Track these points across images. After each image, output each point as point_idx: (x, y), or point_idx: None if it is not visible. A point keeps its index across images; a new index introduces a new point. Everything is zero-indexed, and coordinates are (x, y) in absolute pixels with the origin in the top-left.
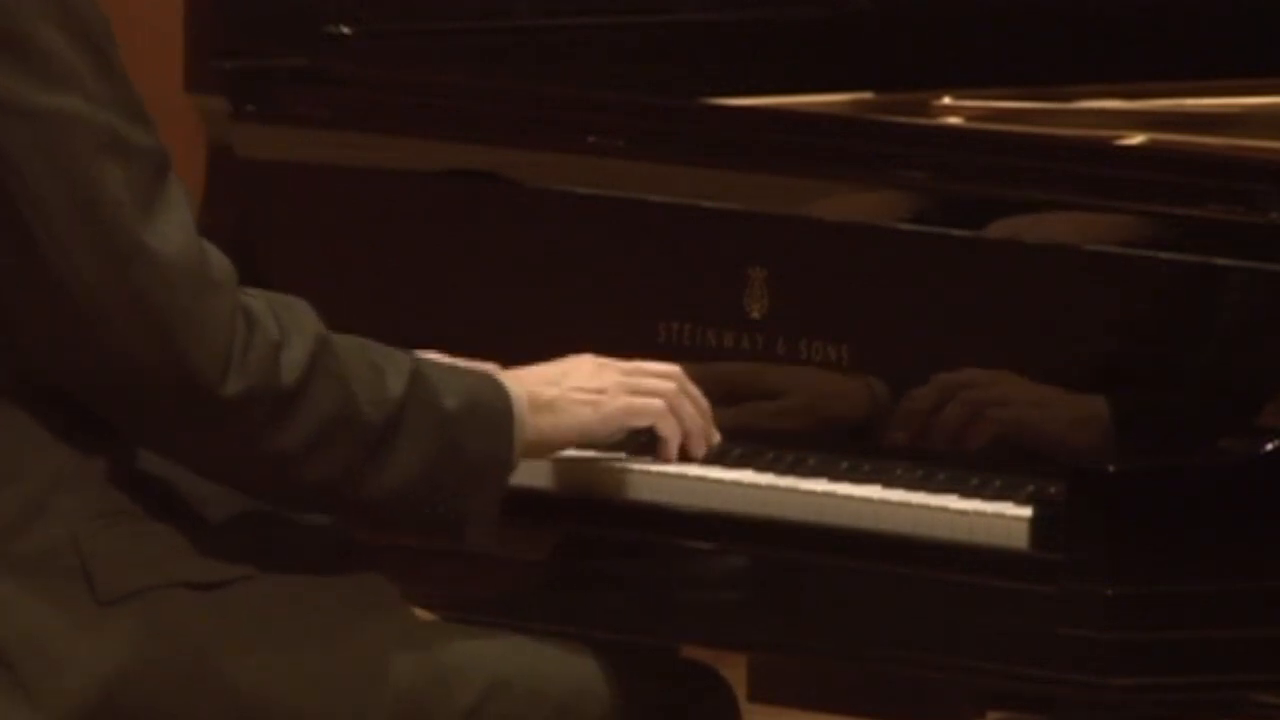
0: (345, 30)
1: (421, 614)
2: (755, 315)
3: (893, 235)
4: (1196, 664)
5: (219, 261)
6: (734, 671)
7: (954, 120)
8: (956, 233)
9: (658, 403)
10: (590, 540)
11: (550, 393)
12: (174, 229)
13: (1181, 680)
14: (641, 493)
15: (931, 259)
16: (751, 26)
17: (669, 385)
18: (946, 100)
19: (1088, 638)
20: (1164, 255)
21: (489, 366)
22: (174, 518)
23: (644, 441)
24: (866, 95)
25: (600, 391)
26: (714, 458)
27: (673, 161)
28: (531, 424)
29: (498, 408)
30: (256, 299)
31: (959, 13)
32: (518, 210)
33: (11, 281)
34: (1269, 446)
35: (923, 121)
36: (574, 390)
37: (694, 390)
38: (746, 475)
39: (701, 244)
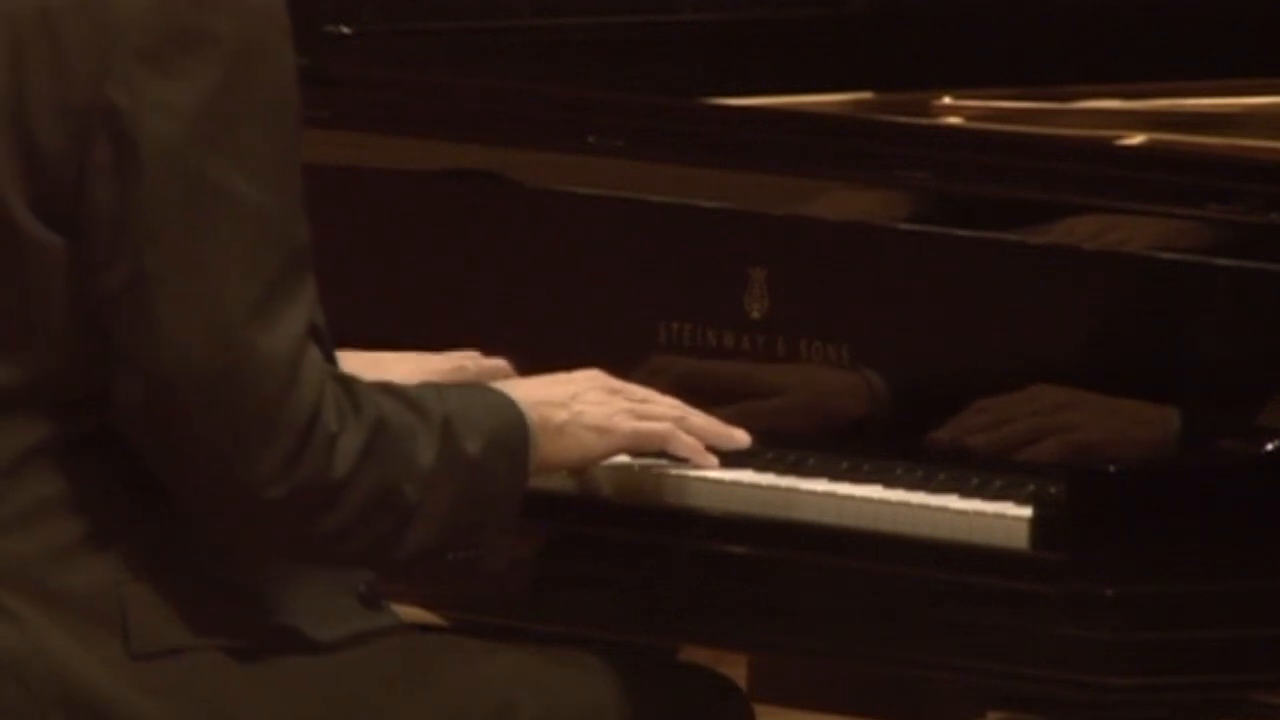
0: (345, 30)
1: (422, 614)
2: (755, 315)
3: (893, 235)
4: (1196, 664)
5: (312, 369)
6: (734, 671)
7: (954, 120)
8: (956, 233)
9: (664, 426)
10: (589, 540)
11: (560, 417)
12: (285, 329)
13: (1181, 680)
14: (640, 493)
15: (931, 259)
16: (751, 26)
17: (675, 411)
18: (946, 100)
19: (1088, 638)
20: (1164, 255)
21: (499, 363)
22: (223, 581)
23: None
24: (866, 95)
25: (608, 418)
26: None
27: (673, 161)
28: (540, 447)
29: (517, 440)
30: (325, 386)
31: (959, 13)
32: (518, 210)
33: (116, 320)
34: (1269, 446)
35: (923, 121)
36: (582, 415)
37: (698, 414)
38: (746, 475)
39: (701, 244)
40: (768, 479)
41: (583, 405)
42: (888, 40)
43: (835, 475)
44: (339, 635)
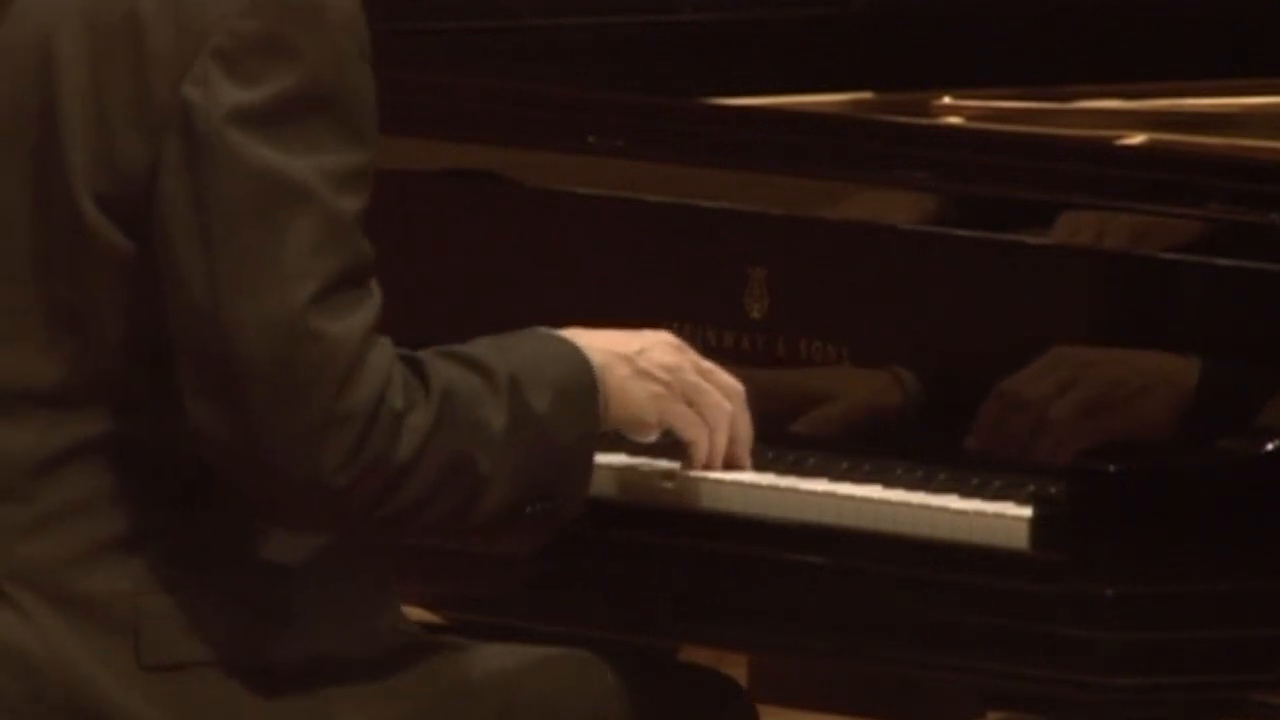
0: None
1: (422, 614)
2: (755, 315)
3: (893, 235)
4: (1196, 664)
5: (379, 355)
6: (734, 671)
7: (954, 120)
8: (956, 233)
9: (700, 437)
10: (589, 540)
11: (622, 371)
12: (353, 321)
13: (1181, 680)
14: (640, 492)
15: (931, 259)
16: (751, 26)
17: (726, 407)
18: (946, 100)
19: (1088, 638)
20: (1164, 255)
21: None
22: (245, 600)
23: (645, 442)
24: (866, 95)
25: (668, 385)
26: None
27: (673, 161)
28: (603, 396)
29: (585, 387)
30: (392, 369)
31: (959, 13)
32: (518, 210)
33: (185, 312)
34: (1269, 446)
35: (923, 121)
36: (645, 375)
37: (746, 419)
38: (746, 475)
39: (701, 244)
40: (768, 479)
41: (647, 364)
42: (888, 40)
43: (835, 475)
44: (359, 665)
